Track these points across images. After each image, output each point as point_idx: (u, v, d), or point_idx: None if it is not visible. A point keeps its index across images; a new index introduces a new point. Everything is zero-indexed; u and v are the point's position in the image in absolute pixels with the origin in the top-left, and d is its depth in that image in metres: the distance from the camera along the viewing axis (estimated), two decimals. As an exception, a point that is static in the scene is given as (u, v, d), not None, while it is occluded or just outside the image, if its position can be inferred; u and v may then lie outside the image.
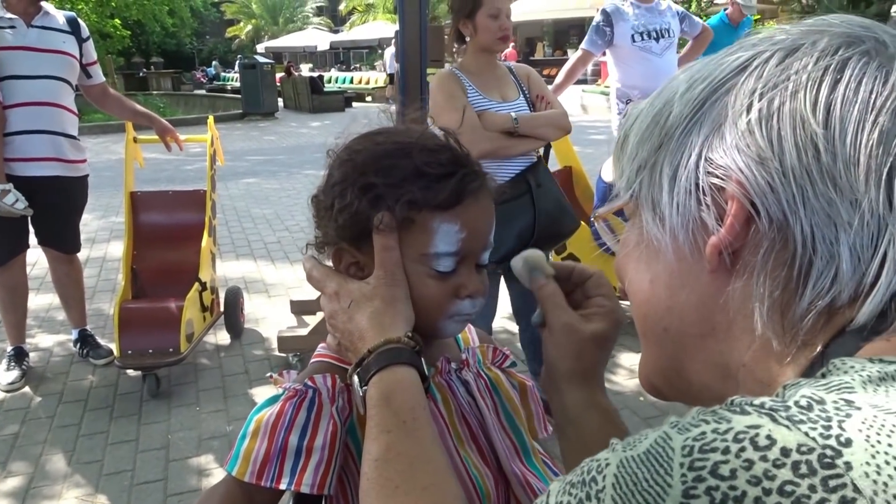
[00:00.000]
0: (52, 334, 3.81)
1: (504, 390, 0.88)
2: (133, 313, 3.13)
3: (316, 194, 0.79)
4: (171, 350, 3.05)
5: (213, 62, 31.45)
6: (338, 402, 0.76)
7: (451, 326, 0.78)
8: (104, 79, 3.48)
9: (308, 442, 0.73)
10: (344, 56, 33.86)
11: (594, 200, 3.64)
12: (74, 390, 3.18)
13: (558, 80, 3.91)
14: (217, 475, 2.48)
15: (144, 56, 31.96)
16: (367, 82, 22.05)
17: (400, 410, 0.65)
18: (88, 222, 5.64)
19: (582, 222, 3.01)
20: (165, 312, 3.13)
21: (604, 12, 3.73)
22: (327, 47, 31.65)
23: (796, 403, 0.35)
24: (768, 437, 0.34)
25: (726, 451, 0.34)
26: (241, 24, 40.69)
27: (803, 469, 0.32)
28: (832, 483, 0.32)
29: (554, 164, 3.60)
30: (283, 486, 0.72)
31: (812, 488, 0.32)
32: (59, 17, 3.18)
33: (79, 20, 3.27)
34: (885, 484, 0.32)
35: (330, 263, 0.79)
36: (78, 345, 3.50)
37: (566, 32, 24.88)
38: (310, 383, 0.76)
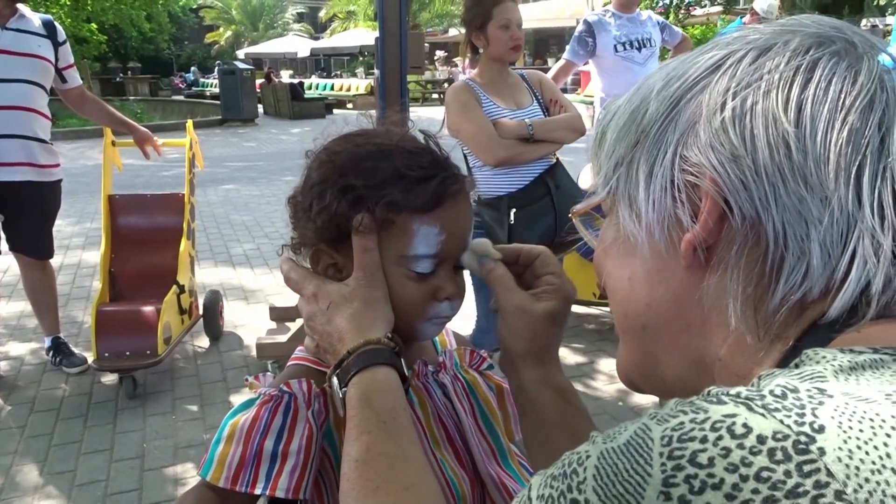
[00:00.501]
0: (23, 342, 3.73)
1: (481, 393, 0.88)
2: (110, 316, 3.11)
3: (293, 195, 0.79)
4: (148, 352, 3.03)
5: (192, 68, 31.21)
6: (313, 406, 0.76)
7: (429, 329, 0.78)
8: (81, 82, 3.44)
9: (283, 446, 0.73)
10: (325, 63, 33.83)
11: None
12: (47, 399, 3.11)
13: None
14: (193, 484, 2.44)
15: (122, 61, 31.64)
16: (349, 89, 22.02)
17: (380, 411, 0.64)
18: (62, 228, 5.55)
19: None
20: (143, 315, 3.11)
21: (586, 23, 3.76)
22: (308, 54, 31.58)
23: (771, 392, 0.36)
24: (745, 425, 0.34)
25: (704, 439, 0.34)
26: (221, 29, 40.46)
27: (779, 455, 0.33)
28: (807, 468, 0.32)
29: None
30: (258, 491, 0.72)
31: (787, 474, 0.32)
32: (35, 19, 3.14)
33: (55, 23, 3.23)
34: (857, 468, 0.33)
35: (307, 265, 0.78)
36: (51, 353, 3.43)
37: (546, 42, 25.17)
38: (285, 388, 0.76)
